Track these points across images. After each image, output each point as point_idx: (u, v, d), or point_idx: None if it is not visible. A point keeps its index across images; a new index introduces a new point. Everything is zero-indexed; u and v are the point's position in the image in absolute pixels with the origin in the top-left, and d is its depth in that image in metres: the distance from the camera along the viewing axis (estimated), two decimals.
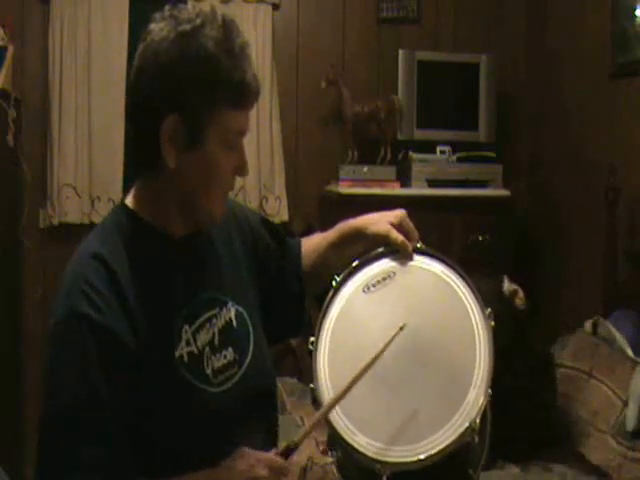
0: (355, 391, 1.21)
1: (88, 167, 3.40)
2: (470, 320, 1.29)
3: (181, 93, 1.20)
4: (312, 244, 1.54)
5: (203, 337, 1.28)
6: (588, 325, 2.59)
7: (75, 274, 1.23)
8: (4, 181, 3.15)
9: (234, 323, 1.34)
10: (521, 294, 2.40)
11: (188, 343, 1.25)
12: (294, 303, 1.52)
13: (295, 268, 1.53)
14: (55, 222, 3.40)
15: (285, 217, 3.56)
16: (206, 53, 1.18)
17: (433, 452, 1.14)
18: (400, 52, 3.45)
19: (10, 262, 3.27)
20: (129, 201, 1.32)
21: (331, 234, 1.50)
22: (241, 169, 1.27)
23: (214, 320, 1.31)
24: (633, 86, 2.91)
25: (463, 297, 1.33)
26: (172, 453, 1.21)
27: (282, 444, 1.22)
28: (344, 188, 3.30)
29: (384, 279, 1.38)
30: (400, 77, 3.45)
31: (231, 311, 1.34)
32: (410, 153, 3.45)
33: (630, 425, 2.12)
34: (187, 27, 1.19)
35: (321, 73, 3.43)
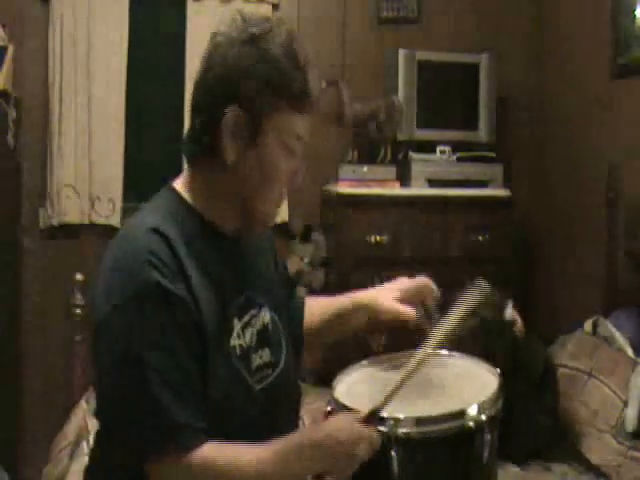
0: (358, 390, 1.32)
1: (88, 167, 3.39)
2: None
3: (246, 89, 1.25)
4: (321, 304, 1.58)
5: (249, 333, 1.30)
6: (588, 325, 2.59)
7: (136, 250, 1.22)
8: (4, 181, 3.14)
9: (270, 327, 1.37)
10: (519, 325, 2.37)
11: (239, 336, 1.28)
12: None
13: (298, 317, 1.56)
14: (55, 222, 3.40)
15: (285, 217, 3.56)
16: (273, 56, 1.24)
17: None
18: (400, 52, 3.45)
19: (10, 262, 3.27)
20: (179, 187, 1.34)
21: (340, 300, 1.53)
22: (296, 175, 1.31)
23: (253, 320, 1.33)
24: (633, 86, 2.91)
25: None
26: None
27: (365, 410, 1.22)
28: (344, 188, 3.30)
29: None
30: (400, 77, 3.45)
31: (267, 315, 1.37)
32: (410, 153, 3.45)
33: (630, 425, 2.12)
34: (256, 30, 1.26)
35: (321, 73, 3.41)
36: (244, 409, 1.26)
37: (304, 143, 1.30)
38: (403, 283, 1.48)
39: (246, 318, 1.31)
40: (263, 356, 1.32)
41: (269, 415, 1.30)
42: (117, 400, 1.20)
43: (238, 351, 1.26)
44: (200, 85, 1.31)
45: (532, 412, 2.25)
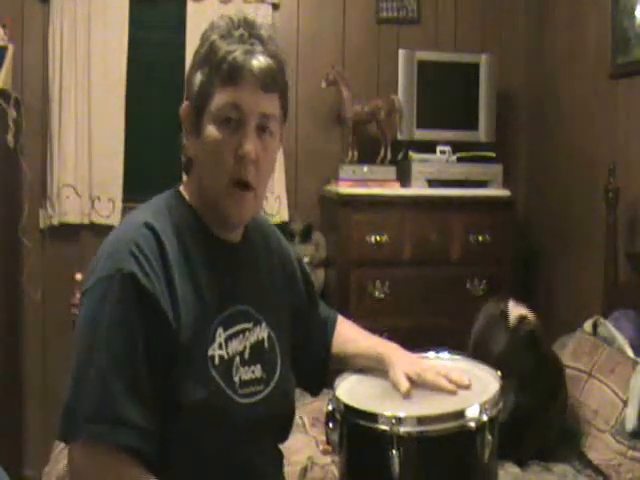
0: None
1: (88, 167, 3.40)
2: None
3: (192, 83, 1.28)
4: (347, 335, 1.55)
5: (235, 345, 1.29)
6: (588, 325, 2.59)
7: (123, 237, 1.23)
8: (4, 181, 3.14)
9: (265, 344, 1.36)
10: (530, 317, 2.26)
11: (220, 346, 1.26)
12: (315, 365, 1.54)
13: (327, 337, 1.55)
14: (55, 222, 3.40)
15: (285, 217, 3.56)
16: (209, 40, 1.26)
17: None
18: (400, 52, 3.45)
19: (10, 262, 3.27)
20: (182, 189, 1.35)
21: (366, 345, 1.50)
22: (243, 149, 1.24)
23: (247, 333, 1.32)
24: (633, 86, 2.91)
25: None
26: (184, 449, 1.22)
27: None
28: (344, 188, 3.30)
29: None
30: (400, 77, 3.45)
31: (264, 331, 1.36)
32: (410, 153, 3.45)
33: (629, 425, 2.11)
34: (207, 28, 1.29)
35: (321, 73, 3.43)
36: (220, 420, 1.24)
37: (250, 113, 1.25)
38: (430, 375, 1.36)
39: (233, 330, 1.29)
40: (255, 371, 1.31)
41: (254, 430, 1.30)
42: (73, 371, 1.19)
43: (217, 361, 1.25)
44: None
45: (551, 414, 2.25)
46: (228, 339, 1.28)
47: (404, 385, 1.33)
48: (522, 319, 2.27)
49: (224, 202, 1.27)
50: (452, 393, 1.32)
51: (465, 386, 1.33)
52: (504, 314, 2.29)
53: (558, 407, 2.28)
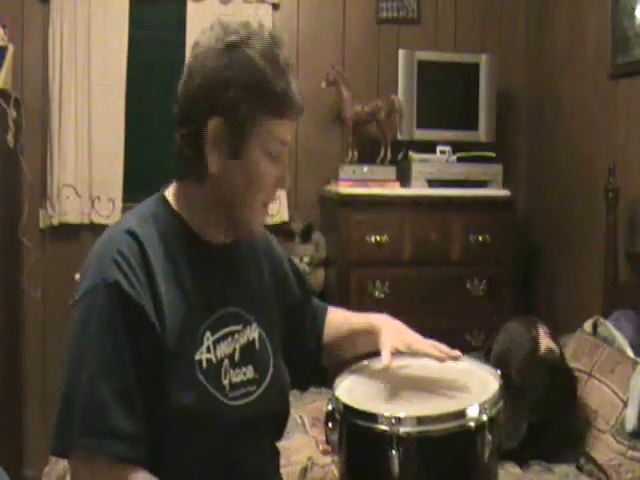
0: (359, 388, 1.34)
1: (88, 167, 3.40)
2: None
3: (226, 98, 1.23)
4: (338, 319, 1.57)
5: (223, 348, 1.29)
6: (588, 325, 2.59)
7: (107, 246, 1.25)
8: (4, 181, 3.14)
9: (256, 344, 1.36)
10: (555, 349, 2.31)
11: (208, 350, 1.27)
12: (306, 357, 1.54)
13: (317, 327, 1.56)
14: (55, 222, 3.40)
15: (285, 217, 3.56)
16: (251, 63, 1.23)
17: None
18: (400, 52, 3.45)
19: (10, 262, 3.27)
20: (169, 195, 1.35)
21: (357, 318, 1.53)
22: (281, 180, 1.30)
23: (236, 335, 1.32)
24: (633, 86, 2.91)
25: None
26: (180, 450, 1.22)
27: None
28: (344, 188, 3.30)
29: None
30: (400, 77, 3.45)
31: (255, 332, 1.36)
32: (410, 153, 3.45)
33: (629, 425, 2.11)
34: (235, 38, 1.24)
35: (321, 73, 3.43)
36: (211, 423, 1.24)
37: (288, 147, 1.29)
38: (419, 345, 1.41)
39: (223, 332, 1.30)
40: (247, 373, 1.32)
41: (248, 430, 1.30)
42: (65, 377, 1.20)
43: (204, 365, 1.25)
44: (182, 96, 1.31)
45: (569, 418, 2.26)
46: (216, 342, 1.28)
47: (385, 360, 1.35)
48: (550, 351, 2.28)
49: (254, 219, 1.31)
50: (441, 360, 1.36)
51: (454, 356, 1.38)
52: (536, 342, 2.30)
53: (568, 423, 2.29)
